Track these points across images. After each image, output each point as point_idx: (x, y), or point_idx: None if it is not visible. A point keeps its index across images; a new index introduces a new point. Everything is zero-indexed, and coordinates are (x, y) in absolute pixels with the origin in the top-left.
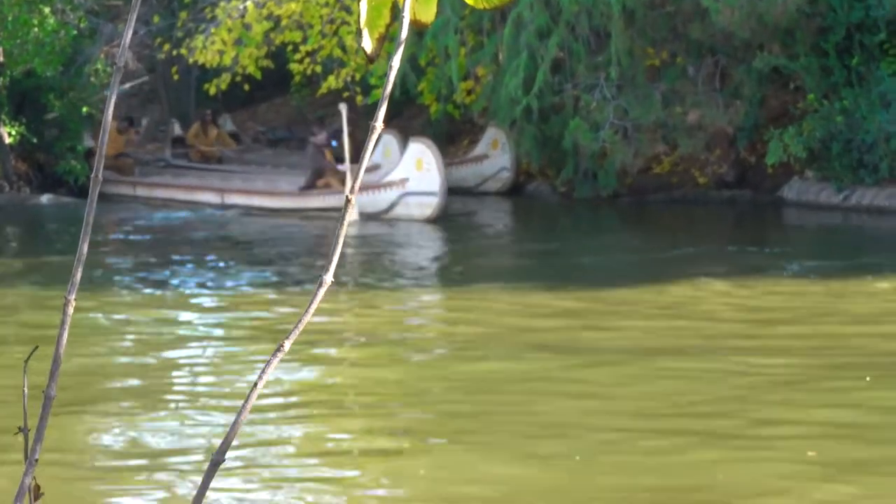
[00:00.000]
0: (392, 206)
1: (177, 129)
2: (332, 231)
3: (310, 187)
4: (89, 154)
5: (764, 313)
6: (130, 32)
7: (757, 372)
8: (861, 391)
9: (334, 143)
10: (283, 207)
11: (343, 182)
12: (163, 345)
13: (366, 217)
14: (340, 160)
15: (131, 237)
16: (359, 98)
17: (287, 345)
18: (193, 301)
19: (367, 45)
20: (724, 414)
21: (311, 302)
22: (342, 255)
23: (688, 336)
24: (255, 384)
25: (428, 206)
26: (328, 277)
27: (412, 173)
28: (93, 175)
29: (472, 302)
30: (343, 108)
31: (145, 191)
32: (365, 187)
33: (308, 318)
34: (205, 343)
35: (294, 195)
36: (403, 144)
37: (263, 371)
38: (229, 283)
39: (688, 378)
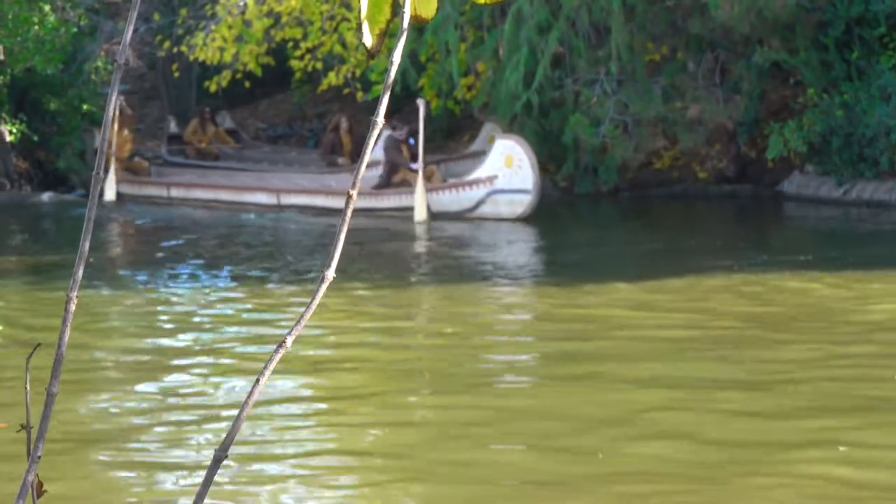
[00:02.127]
0: (478, 204)
1: (173, 127)
2: (405, 233)
3: (385, 185)
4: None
5: (764, 307)
6: (131, 30)
7: (760, 366)
8: (882, 384)
9: (412, 140)
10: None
11: (426, 178)
12: (176, 341)
13: (449, 216)
14: (415, 158)
15: (169, 240)
16: (359, 94)
17: (289, 341)
18: (231, 297)
19: (368, 40)
20: (732, 410)
21: (314, 298)
22: (416, 254)
23: (692, 330)
24: (258, 380)
25: (519, 203)
26: (330, 273)
27: (501, 170)
28: (94, 173)
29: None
30: (421, 103)
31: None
32: (448, 185)
33: (310, 314)
34: (237, 344)
35: (366, 194)
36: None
37: (266, 367)
38: (277, 286)
39: (692, 372)
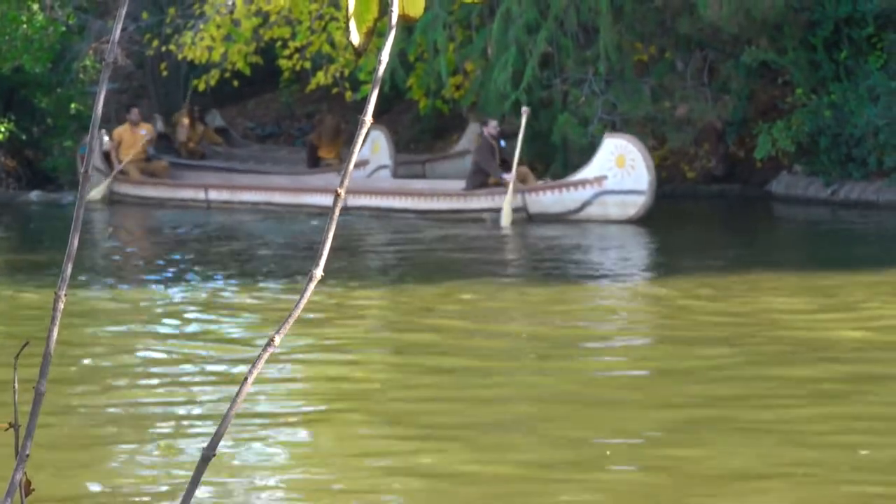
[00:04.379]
0: (584, 205)
1: (160, 125)
2: (501, 236)
3: (476, 187)
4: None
5: (748, 306)
6: (119, 29)
7: (738, 365)
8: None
9: (503, 142)
10: (440, 209)
11: (520, 180)
12: (174, 342)
13: (549, 218)
14: (507, 165)
15: (204, 244)
16: (348, 94)
17: (277, 339)
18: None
19: (355, 38)
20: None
21: (302, 296)
22: (509, 256)
23: (676, 329)
24: (246, 379)
25: (632, 205)
26: (318, 272)
27: (612, 171)
28: (83, 171)
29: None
30: (525, 111)
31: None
32: (550, 186)
33: (298, 312)
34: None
35: (454, 196)
36: (391, 139)
37: (253, 366)
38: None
39: (675, 370)
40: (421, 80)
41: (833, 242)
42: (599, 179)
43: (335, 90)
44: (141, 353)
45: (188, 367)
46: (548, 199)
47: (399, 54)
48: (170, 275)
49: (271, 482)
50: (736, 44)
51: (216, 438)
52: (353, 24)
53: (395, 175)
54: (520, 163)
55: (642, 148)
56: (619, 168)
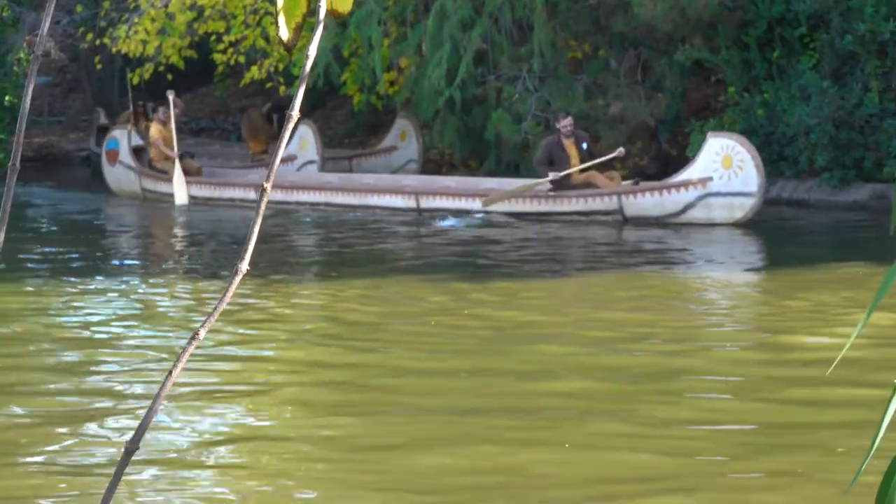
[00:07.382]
0: (686, 208)
1: (102, 118)
2: (588, 238)
3: (559, 185)
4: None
5: (655, 303)
6: (49, 21)
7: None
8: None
9: (585, 145)
10: (526, 211)
11: (610, 179)
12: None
13: (648, 221)
14: (583, 161)
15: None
16: (282, 88)
17: (202, 333)
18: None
19: (284, 33)
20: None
21: (227, 290)
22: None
23: (597, 328)
24: (170, 372)
25: (739, 207)
26: (244, 266)
27: (717, 172)
28: (10, 164)
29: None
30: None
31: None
32: (650, 188)
33: (223, 306)
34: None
35: (542, 198)
36: (319, 135)
37: (178, 360)
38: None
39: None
40: (355, 76)
41: (764, 241)
42: (704, 181)
43: (269, 85)
44: (65, 348)
45: (121, 359)
46: (647, 202)
47: (333, 49)
48: (130, 270)
49: (199, 476)
50: (670, 42)
51: (139, 431)
52: (282, 20)
53: (323, 170)
54: (607, 166)
55: (751, 148)
56: (726, 169)
